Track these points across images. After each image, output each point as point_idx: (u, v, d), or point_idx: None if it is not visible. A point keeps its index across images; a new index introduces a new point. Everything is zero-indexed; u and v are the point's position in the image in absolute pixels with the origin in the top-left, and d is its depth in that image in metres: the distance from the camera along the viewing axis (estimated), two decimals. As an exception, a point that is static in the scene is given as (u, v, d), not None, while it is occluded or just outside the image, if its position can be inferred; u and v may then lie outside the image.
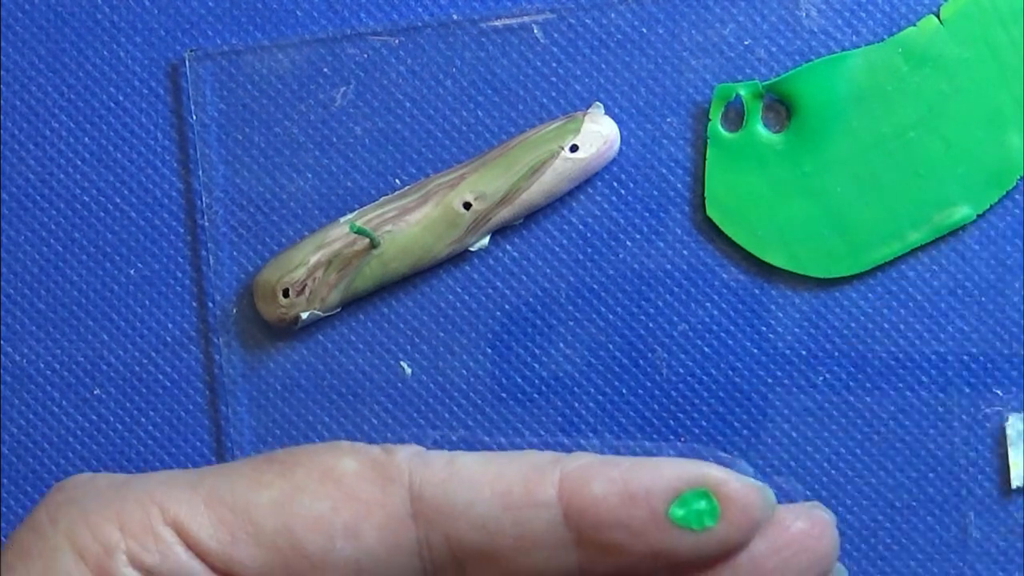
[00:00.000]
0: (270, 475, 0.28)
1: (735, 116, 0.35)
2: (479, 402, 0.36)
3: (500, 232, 0.36)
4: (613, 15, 0.36)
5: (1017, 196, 0.35)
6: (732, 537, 0.27)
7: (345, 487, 0.28)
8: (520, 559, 0.27)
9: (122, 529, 0.27)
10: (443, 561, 0.28)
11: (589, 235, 0.36)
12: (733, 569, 0.27)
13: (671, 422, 0.35)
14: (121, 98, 0.37)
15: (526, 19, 0.36)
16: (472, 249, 0.36)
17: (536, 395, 0.36)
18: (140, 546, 0.27)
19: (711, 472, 0.27)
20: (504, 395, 0.36)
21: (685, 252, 0.36)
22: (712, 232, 0.35)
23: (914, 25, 0.35)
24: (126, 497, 0.28)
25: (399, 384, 0.36)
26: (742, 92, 0.35)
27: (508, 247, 0.36)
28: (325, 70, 0.36)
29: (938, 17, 0.35)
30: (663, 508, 0.27)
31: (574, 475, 0.28)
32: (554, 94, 0.36)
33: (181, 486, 0.28)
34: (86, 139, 0.37)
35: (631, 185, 0.36)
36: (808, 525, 0.28)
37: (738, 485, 0.27)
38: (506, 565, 0.28)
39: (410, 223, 0.35)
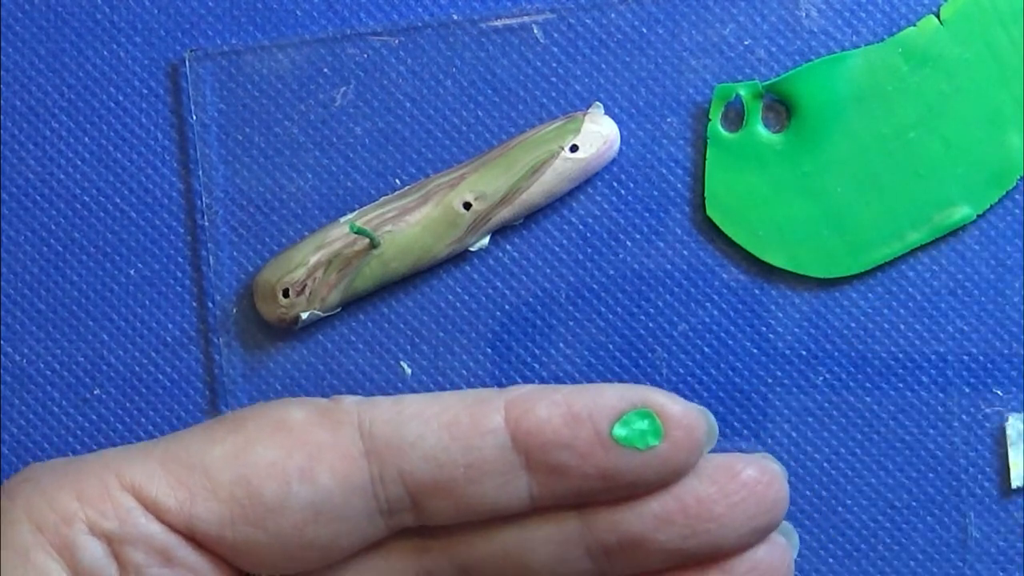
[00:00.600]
0: (222, 432, 0.29)
1: (735, 116, 0.35)
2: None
3: (500, 232, 0.36)
4: (613, 15, 0.36)
5: (1017, 196, 0.35)
6: (676, 457, 0.27)
7: (296, 434, 0.28)
8: (472, 489, 0.28)
9: (79, 498, 0.27)
10: (398, 498, 0.28)
11: (589, 235, 0.36)
12: (683, 511, 0.27)
13: (671, 422, 0.35)
14: (121, 98, 0.37)
15: (526, 19, 0.36)
16: (472, 249, 0.36)
17: (536, 395, 0.36)
18: (99, 513, 0.27)
19: (653, 395, 0.27)
20: (504, 395, 0.36)
21: (685, 252, 0.36)
22: (712, 232, 0.35)
23: (914, 25, 0.35)
24: (82, 469, 0.28)
25: (399, 384, 0.36)
26: (742, 92, 0.35)
27: (508, 247, 0.36)
28: (325, 70, 0.36)
29: (938, 17, 0.35)
30: (607, 428, 0.27)
31: (518, 400, 0.28)
32: (554, 94, 0.36)
33: (136, 453, 0.28)
34: (86, 139, 0.37)
35: (631, 185, 0.36)
36: (758, 472, 0.28)
37: (681, 407, 0.27)
38: (459, 496, 0.28)
39: (410, 223, 0.35)
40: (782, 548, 0.30)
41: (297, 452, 0.28)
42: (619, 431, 0.27)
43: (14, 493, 0.28)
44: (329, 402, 0.30)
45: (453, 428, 0.28)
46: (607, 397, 0.28)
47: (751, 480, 0.29)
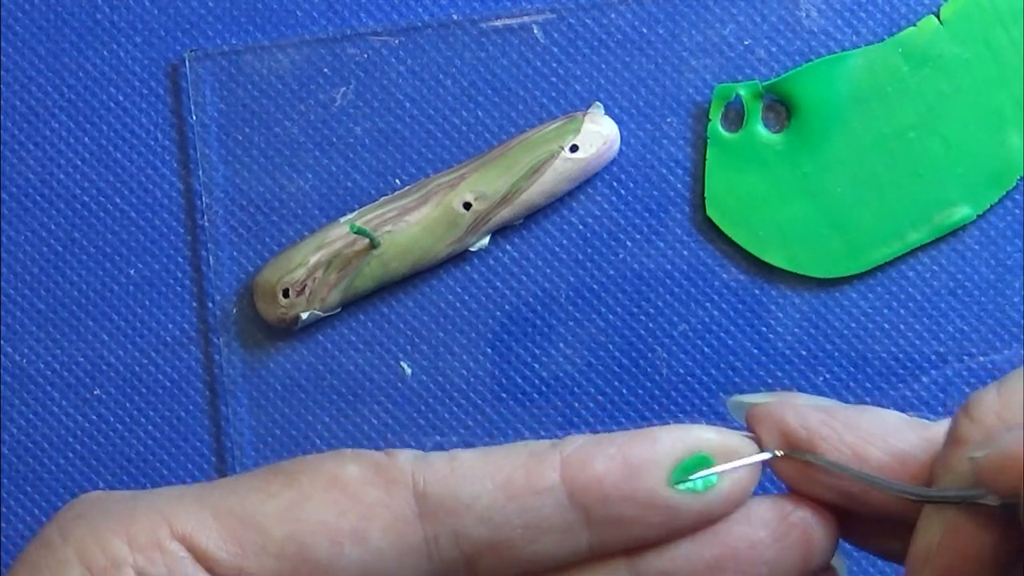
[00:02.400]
0: (276, 485, 0.29)
1: (735, 116, 0.35)
2: (479, 402, 0.36)
3: (500, 232, 0.36)
4: (613, 15, 0.36)
5: (1017, 196, 0.35)
6: (734, 493, 0.27)
7: (350, 492, 0.28)
8: (529, 547, 0.28)
9: (130, 543, 0.27)
10: (452, 559, 0.28)
11: (589, 235, 0.36)
12: (734, 557, 0.27)
13: (671, 422, 0.35)
14: (121, 98, 0.37)
15: (526, 19, 0.36)
16: (472, 249, 0.36)
17: (536, 395, 0.36)
18: (147, 560, 0.27)
19: (706, 434, 0.27)
20: (504, 395, 0.36)
21: (685, 252, 0.36)
22: (712, 232, 0.35)
23: (914, 25, 0.35)
24: (135, 512, 0.28)
25: (399, 384, 0.36)
26: (742, 92, 0.35)
27: (508, 247, 0.36)
28: (325, 70, 0.36)
29: (938, 17, 0.35)
30: (666, 477, 0.27)
31: (574, 456, 0.28)
32: (554, 94, 0.36)
33: (189, 500, 0.28)
34: (86, 139, 0.37)
35: (631, 185, 0.36)
36: (808, 514, 0.28)
37: (732, 442, 0.27)
38: (516, 555, 0.28)
39: (410, 223, 0.35)
40: None
41: (350, 512, 0.28)
42: (677, 477, 0.27)
43: (67, 531, 0.28)
44: (384, 456, 0.30)
45: (509, 488, 0.28)
46: (663, 444, 0.27)
47: (801, 522, 0.29)
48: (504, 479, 0.28)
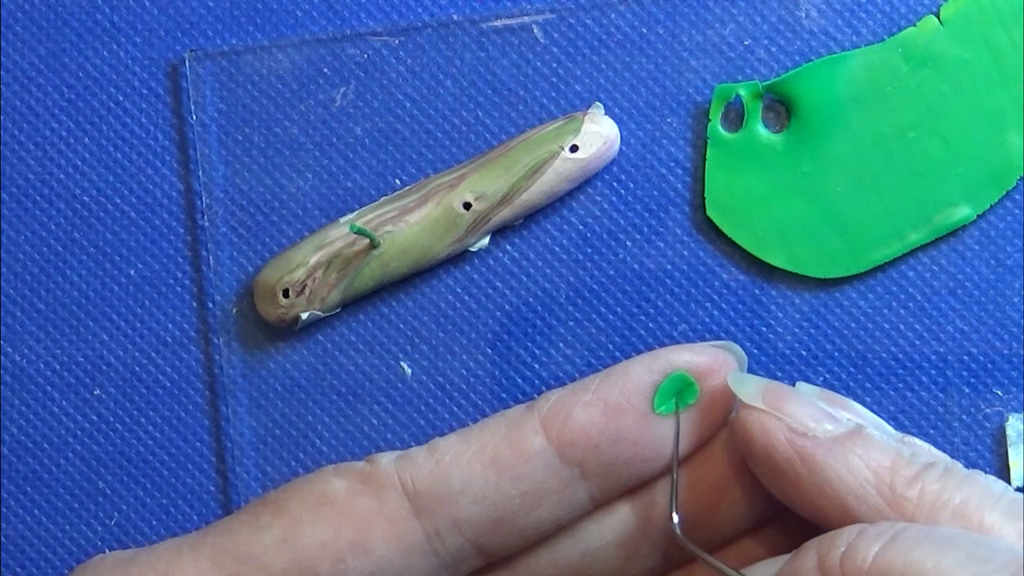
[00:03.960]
0: (266, 516, 0.28)
1: (735, 116, 0.35)
2: (479, 402, 0.36)
3: (500, 232, 0.36)
4: (613, 15, 0.36)
5: (1017, 196, 0.35)
6: (718, 400, 0.27)
7: (341, 507, 0.28)
8: (532, 515, 0.27)
9: None
10: (458, 547, 0.28)
11: (589, 235, 0.36)
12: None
13: (671, 422, 0.35)
14: (121, 98, 0.37)
15: (526, 19, 0.36)
16: (472, 249, 0.36)
17: (536, 395, 0.36)
18: None
19: (677, 354, 0.27)
20: (504, 395, 0.36)
21: (685, 252, 0.36)
22: (712, 232, 0.35)
23: (914, 25, 0.35)
24: (131, 569, 0.28)
25: (399, 384, 0.36)
26: (742, 92, 0.35)
27: (508, 247, 0.36)
28: (325, 70, 0.36)
29: (938, 17, 0.35)
30: (648, 407, 0.27)
31: (552, 413, 0.27)
32: (554, 94, 0.36)
33: (185, 550, 0.28)
34: (86, 139, 0.37)
35: (631, 185, 0.36)
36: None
37: (705, 355, 0.27)
38: (521, 526, 0.28)
39: (410, 223, 0.35)
40: None
41: (345, 527, 0.27)
42: (660, 404, 0.27)
43: None
44: (366, 465, 0.29)
45: (497, 463, 0.27)
46: (636, 375, 0.27)
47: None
48: (490, 456, 0.27)
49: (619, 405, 0.27)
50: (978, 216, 0.35)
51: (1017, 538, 0.23)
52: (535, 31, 0.36)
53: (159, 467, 0.37)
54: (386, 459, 0.29)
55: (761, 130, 0.35)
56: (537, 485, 0.27)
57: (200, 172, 0.37)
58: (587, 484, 0.28)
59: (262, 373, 0.36)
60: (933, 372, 0.35)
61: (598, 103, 0.35)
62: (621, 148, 0.36)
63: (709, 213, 0.35)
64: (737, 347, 0.29)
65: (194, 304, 0.37)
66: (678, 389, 0.27)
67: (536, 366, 0.36)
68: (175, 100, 0.37)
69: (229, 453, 0.36)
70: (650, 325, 0.35)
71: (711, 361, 0.28)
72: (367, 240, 0.35)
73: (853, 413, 0.28)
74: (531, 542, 0.28)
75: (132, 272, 0.37)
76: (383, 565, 0.27)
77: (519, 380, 0.36)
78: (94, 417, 0.37)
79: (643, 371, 0.27)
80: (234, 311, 0.37)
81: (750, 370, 0.35)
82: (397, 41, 0.36)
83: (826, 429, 0.26)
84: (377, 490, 0.28)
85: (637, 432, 0.27)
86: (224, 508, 0.36)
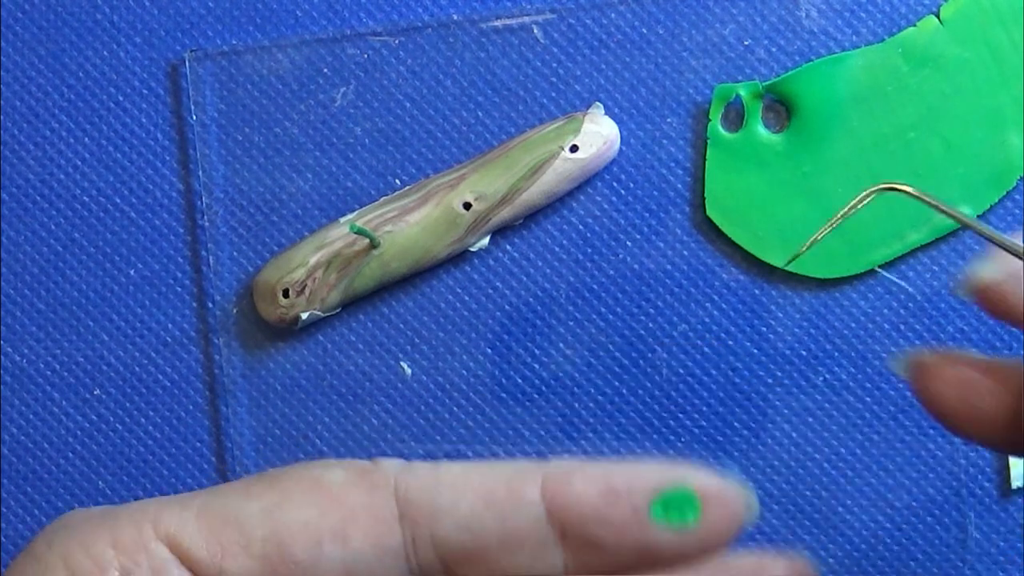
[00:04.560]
0: (259, 488, 0.29)
1: (735, 116, 0.35)
2: (479, 402, 0.36)
3: (500, 232, 0.36)
4: (613, 15, 0.36)
5: (1017, 196, 0.35)
6: (713, 535, 0.27)
7: (332, 494, 0.28)
8: (505, 559, 0.28)
9: (114, 546, 0.28)
10: (430, 564, 0.28)
11: (589, 235, 0.36)
12: None
13: (671, 422, 0.35)
14: (121, 98, 0.37)
15: (526, 19, 0.36)
16: (472, 249, 0.36)
17: (536, 395, 0.36)
18: (133, 562, 0.27)
19: (691, 472, 0.27)
20: (504, 395, 0.36)
21: (685, 252, 0.36)
22: (712, 232, 0.35)
23: (914, 25, 0.35)
24: (119, 516, 0.28)
25: (399, 384, 0.36)
26: (742, 92, 0.35)
27: (508, 247, 0.36)
28: (325, 70, 0.36)
29: (938, 17, 0.35)
30: (645, 505, 0.27)
31: (556, 473, 0.28)
32: (554, 94, 0.36)
33: (174, 504, 0.29)
34: (86, 139, 0.37)
35: (631, 185, 0.36)
36: (787, 572, 0.28)
37: (719, 484, 0.27)
38: (491, 565, 0.28)
39: (410, 223, 0.35)
40: None
41: (331, 513, 0.28)
42: (657, 509, 0.27)
43: (52, 540, 0.28)
44: (369, 464, 0.30)
45: (488, 497, 0.28)
46: (646, 474, 0.27)
47: None
48: (486, 490, 0.28)
49: (617, 491, 0.27)
50: (978, 216, 0.35)
51: None
52: (535, 31, 0.36)
53: (159, 467, 0.37)
54: (389, 463, 0.30)
55: (761, 130, 0.35)
56: (518, 532, 0.28)
57: (200, 172, 0.37)
58: (564, 551, 0.28)
59: (262, 373, 0.36)
60: (933, 372, 0.35)
61: (598, 103, 0.35)
62: (621, 148, 0.36)
63: (709, 213, 0.35)
64: (751, 493, 0.29)
65: (194, 304, 0.37)
66: (682, 505, 0.27)
67: (536, 366, 0.36)
68: (175, 100, 0.37)
69: (229, 453, 0.36)
70: (650, 325, 0.36)
71: (720, 492, 0.28)
72: (367, 240, 0.35)
73: None
74: None
75: (132, 272, 0.37)
76: (357, 558, 0.28)
77: (519, 380, 0.36)
78: (94, 417, 0.37)
79: (653, 472, 0.27)
80: (234, 311, 0.37)
81: (749, 368, 0.35)
82: (397, 41, 0.36)
83: None
84: (370, 487, 0.28)
85: (623, 523, 0.27)
86: (224, 508, 0.36)
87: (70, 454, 0.37)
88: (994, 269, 0.27)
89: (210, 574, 0.28)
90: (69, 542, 0.28)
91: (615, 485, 0.27)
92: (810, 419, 0.35)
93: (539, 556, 0.28)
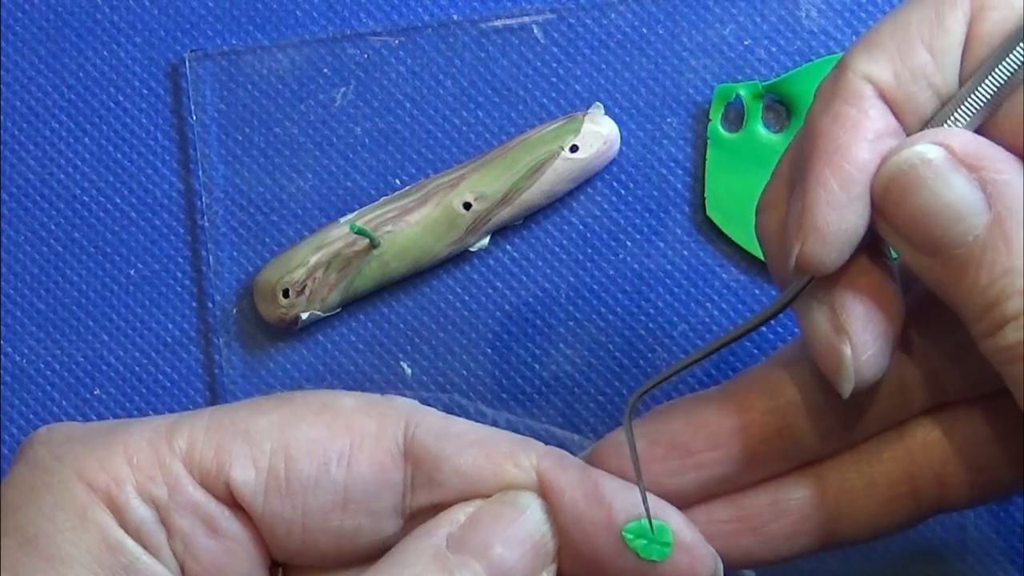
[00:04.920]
0: (269, 405, 0.29)
1: (735, 116, 0.35)
2: (479, 402, 0.36)
3: (500, 232, 0.36)
4: (613, 15, 0.36)
5: (1017, 196, 0.35)
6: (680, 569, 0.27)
7: (342, 417, 0.28)
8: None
9: (130, 462, 0.27)
10: (421, 506, 0.28)
11: (589, 235, 0.36)
12: None
13: (671, 422, 0.35)
14: (121, 98, 0.37)
15: (526, 19, 0.36)
16: (472, 249, 0.36)
17: (536, 395, 0.36)
18: (148, 478, 0.27)
19: (675, 515, 0.27)
20: (504, 395, 0.36)
21: (685, 252, 0.36)
22: (712, 232, 0.35)
23: (914, 25, 0.35)
24: (132, 432, 0.28)
25: (399, 384, 0.36)
26: (742, 92, 0.35)
27: (508, 247, 0.36)
28: (325, 70, 0.36)
29: (938, 17, 0.35)
30: (620, 522, 0.27)
31: (555, 457, 0.28)
32: (554, 94, 0.36)
33: (183, 420, 0.29)
34: (86, 139, 0.37)
35: (631, 185, 0.36)
36: None
37: (695, 536, 0.27)
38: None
39: (410, 223, 0.35)
40: None
41: (340, 435, 0.28)
42: (630, 529, 0.27)
43: (61, 453, 0.28)
44: (381, 397, 0.30)
45: (491, 452, 0.28)
46: (633, 498, 0.27)
47: None
48: (489, 447, 0.28)
49: (602, 499, 0.27)
50: (978, 216, 0.35)
51: None
52: (535, 31, 0.36)
53: (159, 467, 0.37)
54: (403, 401, 0.30)
55: (761, 130, 0.35)
56: (509, 488, 0.28)
57: (200, 172, 0.37)
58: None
59: (262, 373, 0.36)
60: (933, 372, 0.35)
61: (598, 103, 0.35)
62: (621, 148, 0.36)
63: (709, 213, 0.35)
64: (720, 565, 0.29)
65: (194, 304, 0.37)
66: (655, 538, 0.27)
67: (536, 366, 0.36)
68: (175, 100, 0.37)
69: (229, 453, 0.36)
70: (650, 325, 0.36)
71: (694, 543, 0.27)
72: (367, 240, 0.35)
73: None
74: None
75: (132, 272, 0.37)
76: (358, 483, 0.28)
77: (519, 380, 0.36)
78: (94, 417, 0.37)
79: (640, 499, 0.27)
80: (234, 311, 0.37)
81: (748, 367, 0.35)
82: (397, 41, 0.36)
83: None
84: (381, 416, 0.29)
85: (594, 530, 0.27)
86: (224, 508, 0.36)
87: (70, 454, 0.37)
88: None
89: (217, 483, 0.28)
90: (80, 455, 0.28)
91: (603, 491, 0.27)
92: (810, 419, 0.35)
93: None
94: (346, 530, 0.28)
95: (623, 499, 0.27)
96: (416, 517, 0.29)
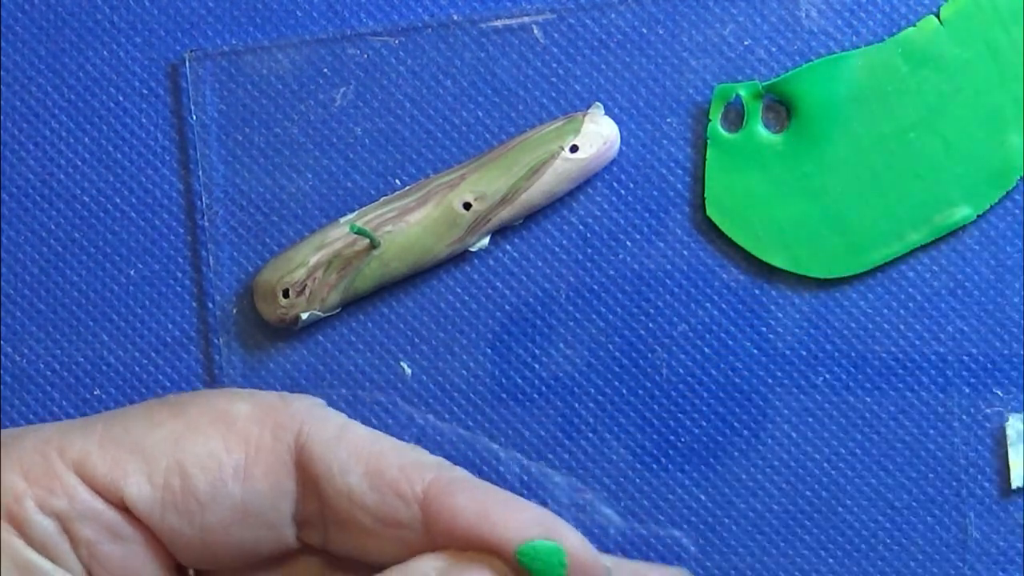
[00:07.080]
0: (163, 415, 0.29)
1: (735, 116, 0.35)
2: (479, 402, 0.36)
3: (500, 232, 0.36)
4: (613, 15, 0.36)
5: (1017, 196, 0.35)
6: None
7: (236, 429, 0.28)
8: (374, 539, 0.28)
9: (26, 477, 0.27)
10: (312, 517, 0.28)
11: (589, 235, 0.36)
12: None
13: (671, 422, 0.35)
14: (121, 98, 0.37)
15: (526, 19, 0.36)
16: (472, 249, 0.36)
17: (536, 395, 0.36)
18: (46, 491, 0.27)
19: (570, 533, 0.27)
20: (504, 395, 0.36)
21: (685, 252, 0.36)
22: (712, 232, 0.35)
23: (914, 25, 0.35)
24: (23, 445, 0.28)
25: (399, 384, 0.36)
26: (742, 92, 0.35)
27: (508, 247, 0.36)
28: (325, 70, 0.36)
29: (938, 17, 0.35)
30: (516, 542, 0.26)
31: (444, 480, 0.28)
32: (554, 94, 0.36)
33: (76, 430, 0.28)
34: (86, 139, 0.37)
35: (631, 185, 0.36)
36: None
37: (590, 555, 0.27)
38: (363, 540, 0.28)
39: (410, 223, 0.35)
40: None
41: (236, 448, 0.28)
42: (525, 551, 0.26)
43: None
44: (278, 400, 0.30)
45: (376, 478, 0.28)
46: (528, 516, 0.27)
47: None
48: (378, 468, 0.28)
49: (494, 520, 0.27)
50: (978, 216, 0.35)
51: None
52: (535, 31, 0.36)
53: (159, 467, 0.37)
54: (299, 404, 0.29)
55: (761, 130, 0.35)
56: (393, 521, 0.28)
57: (200, 172, 0.37)
58: (428, 542, 0.28)
59: (262, 373, 0.36)
60: (933, 372, 0.35)
61: (598, 103, 0.35)
62: (621, 148, 0.36)
63: (709, 213, 0.35)
64: None
65: (194, 304, 0.37)
66: (549, 560, 0.27)
67: (536, 366, 0.36)
68: (175, 100, 0.37)
69: (229, 453, 0.36)
70: (650, 325, 0.36)
71: (589, 563, 0.27)
72: (367, 240, 0.35)
73: None
74: (364, 559, 0.29)
75: (132, 272, 0.37)
76: (255, 497, 0.28)
77: (519, 380, 0.36)
78: (94, 417, 0.37)
79: (533, 517, 0.27)
80: (234, 311, 0.37)
81: (749, 369, 0.35)
82: (397, 41, 0.36)
83: None
84: (276, 427, 0.28)
85: (489, 551, 0.27)
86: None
87: (70, 454, 0.37)
88: None
89: (114, 500, 0.28)
90: None
91: (494, 514, 0.27)
92: (810, 419, 0.35)
93: (406, 547, 0.28)
94: (246, 540, 0.28)
95: (516, 521, 0.27)
96: (307, 524, 0.28)
